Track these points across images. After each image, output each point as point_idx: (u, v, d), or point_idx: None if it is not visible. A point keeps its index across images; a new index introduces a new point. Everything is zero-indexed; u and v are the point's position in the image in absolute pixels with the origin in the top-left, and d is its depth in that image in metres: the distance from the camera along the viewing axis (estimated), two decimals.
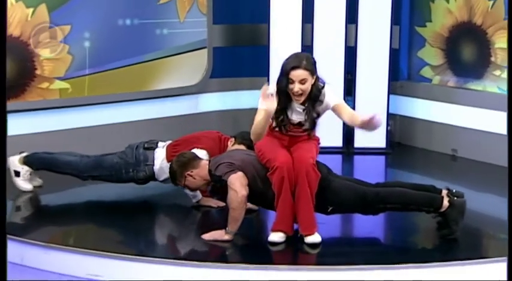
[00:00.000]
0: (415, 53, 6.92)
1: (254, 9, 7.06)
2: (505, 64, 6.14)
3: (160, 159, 5.05)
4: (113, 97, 6.41)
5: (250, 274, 4.01)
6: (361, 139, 6.67)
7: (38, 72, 6.00)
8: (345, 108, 4.32)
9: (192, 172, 4.58)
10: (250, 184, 4.29)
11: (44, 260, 4.30)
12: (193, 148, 4.93)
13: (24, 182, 5.31)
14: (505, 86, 6.16)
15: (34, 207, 5.21)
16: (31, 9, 5.88)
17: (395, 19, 6.65)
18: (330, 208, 4.41)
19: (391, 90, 6.71)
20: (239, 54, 7.16)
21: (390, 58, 6.62)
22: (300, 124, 4.33)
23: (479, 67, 6.37)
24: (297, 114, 4.31)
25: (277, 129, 4.34)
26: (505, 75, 6.16)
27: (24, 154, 5.32)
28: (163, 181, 5.07)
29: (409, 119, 6.95)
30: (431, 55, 6.79)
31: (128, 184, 5.19)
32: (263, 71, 6.65)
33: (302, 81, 4.20)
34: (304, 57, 4.28)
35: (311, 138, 4.42)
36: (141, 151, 5.10)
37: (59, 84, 6.12)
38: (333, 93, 4.35)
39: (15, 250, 4.36)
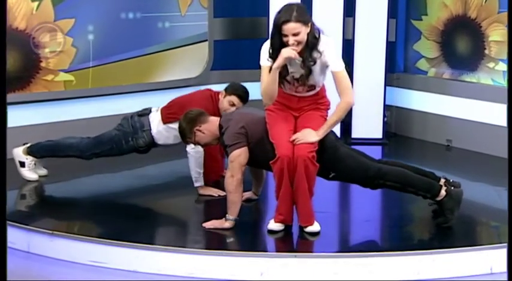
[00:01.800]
0: (411, 45, 6.91)
1: (254, 2, 7.05)
2: (499, 57, 6.13)
3: (156, 122, 5.04)
4: (116, 89, 6.41)
5: (249, 261, 4.02)
6: (359, 130, 6.68)
7: (43, 64, 5.99)
8: (342, 80, 4.18)
9: (200, 126, 4.51)
10: (258, 144, 4.25)
11: (49, 247, 4.31)
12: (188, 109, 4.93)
13: (29, 172, 5.31)
14: (498, 78, 6.15)
15: (39, 196, 5.21)
16: (36, 3, 5.87)
17: (392, 12, 6.63)
18: (332, 174, 4.36)
19: (388, 82, 6.70)
20: (239, 47, 7.14)
21: (387, 51, 6.60)
22: (302, 78, 4.21)
23: (473, 60, 6.36)
24: (296, 68, 4.20)
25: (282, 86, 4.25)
26: (498, 67, 6.15)
27: (28, 145, 5.32)
28: (164, 146, 5.05)
29: (405, 111, 6.94)
30: (427, 48, 6.78)
31: (131, 175, 5.20)
32: None
33: (295, 34, 4.08)
34: (295, 8, 4.09)
35: (319, 106, 4.33)
36: (136, 118, 5.11)
37: (63, 77, 6.11)
38: (334, 51, 4.22)
39: (22, 238, 4.39)
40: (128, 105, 6.49)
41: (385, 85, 6.65)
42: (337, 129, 6.56)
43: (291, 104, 4.32)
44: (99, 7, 6.20)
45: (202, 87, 5.94)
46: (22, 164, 5.30)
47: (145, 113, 5.13)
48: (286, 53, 4.07)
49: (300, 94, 4.31)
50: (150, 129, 5.05)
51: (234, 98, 5.00)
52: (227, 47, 7.10)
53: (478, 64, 6.32)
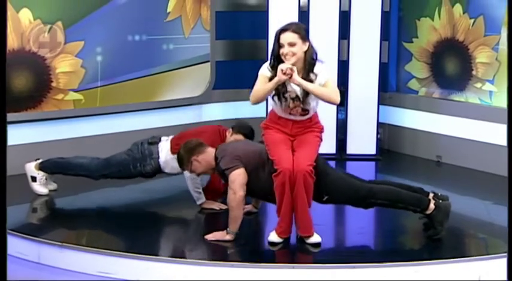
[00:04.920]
0: (403, 66, 6.93)
1: (253, 26, 7.08)
2: (485, 77, 6.15)
3: (164, 152, 5.04)
4: (122, 107, 6.42)
5: (250, 273, 4.01)
6: (353, 146, 6.69)
7: (53, 84, 6.01)
8: (328, 85, 4.19)
9: (198, 157, 4.54)
10: (252, 175, 4.26)
11: (59, 258, 4.31)
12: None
13: (40, 187, 5.31)
14: (485, 98, 6.17)
15: (50, 209, 5.20)
16: (48, 26, 5.90)
17: (385, 35, 6.66)
18: (326, 197, 4.38)
19: (381, 101, 6.71)
20: (240, 68, 7.17)
21: (380, 71, 6.62)
22: (298, 98, 4.22)
23: (461, 80, 6.38)
24: (293, 87, 4.21)
25: (276, 99, 4.24)
26: (485, 87, 6.17)
27: (40, 160, 5.32)
28: (169, 174, 5.06)
29: (397, 128, 6.95)
30: (418, 69, 6.80)
31: (137, 189, 5.20)
32: None
33: (291, 44, 4.13)
34: (294, 23, 4.27)
35: (314, 129, 4.34)
36: (146, 146, 5.11)
37: (73, 96, 6.12)
38: (327, 71, 4.24)
39: (33, 249, 4.38)
40: (134, 123, 6.53)
41: (378, 104, 6.66)
42: (332, 146, 6.60)
43: (285, 129, 4.33)
44: (107, 30, 6.23)
45: (207, 112, 5.95)
46: (34, 179, 5.30)
47: (155, 141, 5.12)
48: (283, 65, 4.07)
49: (294, 118, 4.31)
50: (158, 158, 5.06)
51: (240, 137, 5.02)
52: (228, 68, 7.12)
53: (466, 84, 6.34)
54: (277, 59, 4.19)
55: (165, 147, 5.06)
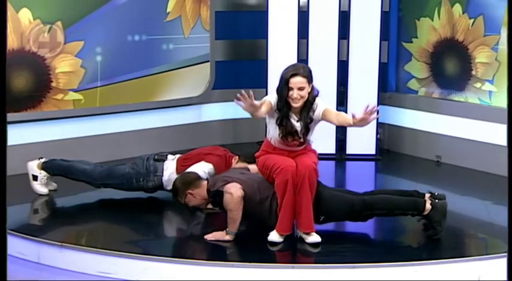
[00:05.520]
0: (402, 66, 6.93)
1: (253, 26, 7.08)
2: (485, 77, 6.16)
3: (169, 170, 5.06)
4: (122, 107, 6.42)
5: (250, 273, 4.01)
6: (353, 146, 6.69)
7: (53, 84, 6.01)
8: (330, 111, 4.29)
9: (193, 190, 4.62)
10: (245, 202, 4.29)
11: (59, 258, 4.30)
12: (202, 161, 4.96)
13: (41, 186, 5.31)
14: (485, 98, 6.17)
15: (50, 209, 5.20)
16: (47, 27, 5.89)
17: (384, 35, 6.66)
18: (322, 218, 4.41)
19: (380, 101, 6.70)
20: (239, 68, 7.17)
21: (379, 71, 6.62)
22: (296, 133, 4.31)
23: (461, 80, 6.38)
24: (293, 122, 4.30)
25: (281, 138, 4.32)
26: (484, 87, 6.17)
27: (43, 160, 5.31)
28: (171, 191, 5.07)
29: (397, 128, 6.95)
30: (417, 69, 6.80)
31: None
32: (261, 83, 6.66)
33: (300, 88, 4.20)
34: (301, 66, 4.33)
35: (309, 152, 4.41)
36: (151, 162, 5.10)
37: (72, 96, 6.12)
38: (323, 102, 4.34)
39: (32, 249, 4.38)
40: (134, 123, 6.53)
41: (378, 104, 6.63)
42: (332, 146, 6.60)
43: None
44: (107, 30, 6.23)
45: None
46: (35, 178, 5.29)
47: (162, 158, 5.13)
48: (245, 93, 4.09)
49: (290, 148, 4.36)
50: (162, 176, 5.07)
51: (245, 165, 5.02)
52: (228, 68, 7.12)
53: (466, 84, 6.34)
54: (286, 103, 4.25)
55: (170, 166, 5.07)
